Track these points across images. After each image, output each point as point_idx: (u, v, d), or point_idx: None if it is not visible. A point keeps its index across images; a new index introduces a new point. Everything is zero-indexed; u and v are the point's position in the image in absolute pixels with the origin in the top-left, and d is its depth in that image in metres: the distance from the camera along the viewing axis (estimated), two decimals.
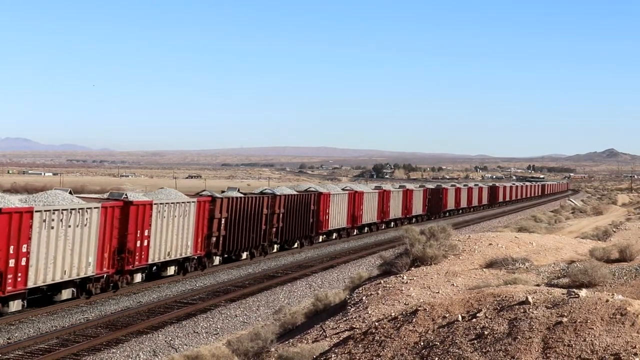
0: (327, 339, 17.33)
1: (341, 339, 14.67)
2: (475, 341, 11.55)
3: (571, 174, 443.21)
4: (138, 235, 31.33)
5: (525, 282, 18.17)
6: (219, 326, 27.35)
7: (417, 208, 78.31)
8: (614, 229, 48.66)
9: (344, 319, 19.18)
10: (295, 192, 49.76)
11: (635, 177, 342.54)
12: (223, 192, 44.38)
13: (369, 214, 63.32)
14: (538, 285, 17.86)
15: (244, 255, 42.55)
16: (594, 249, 24.54)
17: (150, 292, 32.46)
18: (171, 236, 33.92)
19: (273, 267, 41.81)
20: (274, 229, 45.48)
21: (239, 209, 40.34)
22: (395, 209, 70.97)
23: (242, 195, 42.16)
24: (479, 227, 72.19)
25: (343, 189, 60.25)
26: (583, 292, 12.21)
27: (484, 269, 22.42)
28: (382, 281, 22.19)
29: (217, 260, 39.40)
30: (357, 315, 19.05)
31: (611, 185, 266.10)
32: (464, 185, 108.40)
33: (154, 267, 33.80)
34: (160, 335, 25.21)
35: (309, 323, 21.42)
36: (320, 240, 54.07)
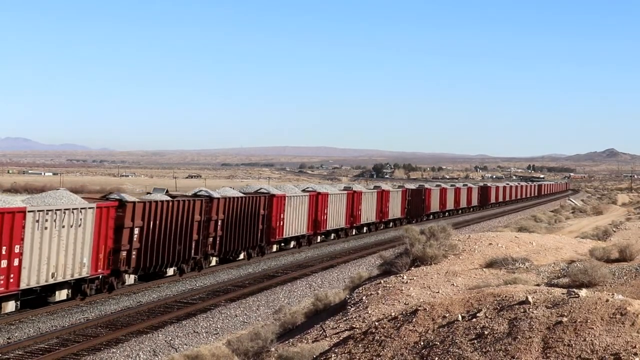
0: (327, 338, 17.33)
1: (341, 338, 14.67)
2: (475, 341, 11.55)
3: (571, 174, 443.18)
4: (4, 253, 24.88)
5: (525, 282, 18.17)
6: (219, 326, 27.35)
7: (395, 211, 71.30)
8: (614, 229, 48.64)
9: (344, 318, 19.19)
10: (240, 195, 42.64)
11: (635, 176, 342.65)
12: (149, 193, 38.49)
13: (336, 218, 56.58)
14: (538, 285, 17.87)
15: (170, 271, 35.73)
16: (594, 249, 24.55)
17: (150, 292, 32.46)
18: (57, 252, 27.20)
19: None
20: (211, 239, 38.34)
21: (160, 216, 33.46)
22: (368, 213, 64.29)
23: (167, 198, 35.11)
24: (478, 227, 72.19)
25: (303, 191, 53.22)
26: (583, 292, 12.21)
27: (484, 269, 22.42)
28: (382, 281, 22.20)
29: (130, 279, 32.78)
30: (357, 315, 19.05)
31: (611, 185, 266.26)
32: (451, 186, 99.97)
33: (43, 292, 27.60)
34: (160, 335, 25.22)
35: (309, 323, 21.42)
36: (275, 249, 47.18)
